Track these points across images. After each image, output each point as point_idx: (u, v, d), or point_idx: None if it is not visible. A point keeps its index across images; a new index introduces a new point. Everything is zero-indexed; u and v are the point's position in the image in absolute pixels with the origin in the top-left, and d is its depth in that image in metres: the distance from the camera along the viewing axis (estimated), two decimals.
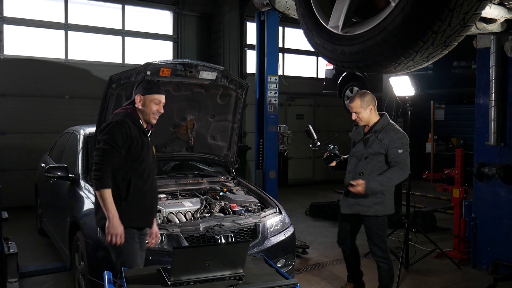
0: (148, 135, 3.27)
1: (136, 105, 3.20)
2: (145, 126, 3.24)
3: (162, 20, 10.39)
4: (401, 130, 4.01)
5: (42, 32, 8.94)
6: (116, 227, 2.96)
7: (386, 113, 4.09)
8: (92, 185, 4.43)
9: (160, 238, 3.65)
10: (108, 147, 3.00)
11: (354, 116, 4.03)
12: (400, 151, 3.86)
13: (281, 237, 4.33)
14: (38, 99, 8.75)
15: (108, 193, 2.96)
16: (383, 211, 3.95)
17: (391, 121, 4.05)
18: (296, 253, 5.09)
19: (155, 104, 3.19)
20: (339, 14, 1.91)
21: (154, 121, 3.24)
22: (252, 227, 4.21)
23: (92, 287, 3.80)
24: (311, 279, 4.97)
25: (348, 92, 9.36)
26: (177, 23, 10.38)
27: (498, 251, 5.30)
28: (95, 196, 3.15)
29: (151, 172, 3.24)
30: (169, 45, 10.44)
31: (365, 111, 3.99)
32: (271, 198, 4.88)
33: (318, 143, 4.38)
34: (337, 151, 4.27)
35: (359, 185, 3.83)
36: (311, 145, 4.42)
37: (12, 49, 8.65)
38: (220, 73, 4.61)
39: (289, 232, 4.45)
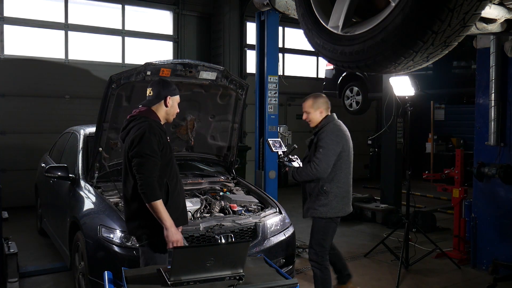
0: None
1: (165, 106, 3.20)
2: None
3: (162, 20, 10.39)
4: (336, 130, 3.91)
5: (42, 32, 8.95)
6: (176, 234, 3.00)
7: (333, 114, 4.04)
8: (92, 185, 4.45)
9: None
10: (150, 158, 2.99)
11: (304, 116, 4.05)
12: (320, 149, 3.83)
13: (281, 237, 4.34)
14: (38, 99, 8.75)
15: (160, 203, 2.98)
16: (325, 213, 3.89)
17: (335, 121, 3.99)
18: (296, 253, 5.09)
19: (177, 104, 3.28)
20: (339, 14, 1.91)
21: (171, 120, 3.32)
22: (252, 227, 4.21)
23: (92, 287, 3.80)
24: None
25: (348, 92, 9.36)
26: (177, 23, 10.39)
27: (498, 251, 5.30)
28: (127, 203, 3.16)
29: (177, 171, 3.30)
30: (169, 45, 10.44)
31: (315, 113, 3.99)
32: (271, 198, 4.88)
33: (282, 155, 4.29)
34: (291, 163, 4.15)
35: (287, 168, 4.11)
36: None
37: (12, 49, 8.65)
38: (220, 73, 4.61)
39: (289, 232, 4.46)
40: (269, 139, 4.42)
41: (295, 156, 4.23)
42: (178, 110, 3.32)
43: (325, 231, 3.98)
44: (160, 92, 3.20)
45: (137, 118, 3.15)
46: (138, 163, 2.99)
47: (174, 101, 3.25)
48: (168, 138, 3.28)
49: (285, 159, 4.18)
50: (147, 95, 3.26)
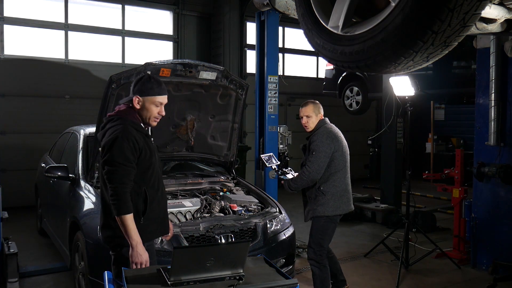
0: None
1: (133, 106, 2.87)
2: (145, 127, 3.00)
3: (162, 20, 10.39)
4: (326, 132, 4.02)
5: (42, 32, 8.94)
6: (141, 255, 2.71)
7: (325, 118, 4.16)
8: (92, 185, 4.45)
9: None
10: (121, 167, 2.71)
11: (304, 120, 4.11)
12: (313, 153, 3.95)
13: (281, 237, 4.33)
14: (38, 99, 8.75)
15: (130, 218, 2.70)
16: (323, 212, 3.97)
17: (326, 125, 4.10)
18: (296, 253, 5.08)
19: (156, 107, 2.86)
20: (339, 14, 1.91)
21: (154, 124, 2.93)
22: (252, 227, 4.21)
23: (92, 287, 3.80)
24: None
25: (348, 92, 9.36)
26: (177, 23, 10.39)
27: (498, 251, 5.30)
28: (103, 209, 2.91)
29: (160, 177, 3.02)
30: (169, 45, 10.44)
31: (316, 117, 4.10)
32: (271, 198, 4.88)
33: (276, 169, 4.40)
34: (285, 176, 4.24)
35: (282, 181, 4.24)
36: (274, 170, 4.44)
37: (12, 49, 8.65)
38: (220, 73, 4.60)
39: (289, 232, 4.45)
40: (261, 156, 4.56)
41: (289, 168, 4.35)
42: (159, 113, 2.89)
43: (324, 230, 4.04)
44: (132, 90, 2.86)
45: (114, 118, 2.84)
46: (108, 172, 2.72)
47: (147, 102, 2.83)
48: (152, 140, 2.99)
49: (279, 172, 4.28)
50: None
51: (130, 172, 2.75)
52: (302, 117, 4.14)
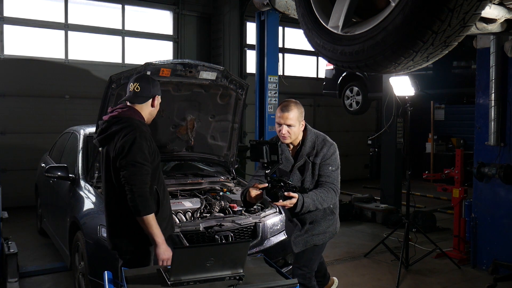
0: None
1: (152, 106, 2.97)
2: None
3: (162, 20, 10.40)
4: (330, 140, 3.28)
5: (42, 32, 8.94)
6: (167, 251, 2.80)
7: (306, 123, 3.29)
8: (92, 185, 4.45)
9: None
10: (143, 167, 2.75)
11: (284, 130, 3.13)
12: (331, 168, 3.20)
13: (281, 237, 4.34)
14: (38, 99, 8.75)
15: (153, 218, 2.76)
16: (333, 232, 3.37)
17: (315, 131, 3.32)
18: None
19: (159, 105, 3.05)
20: (339, 14, 1.91)
21: (150, 122, 3.08)
22: (252, 227, 4.21)
23: (92, 287, 3.80)
24: None
25: (348, 92, 9.37)
26: (177, 23, 10.39)
27: (498, 251, 5.30)
28: (113, 217, 2.94)
29: (163, 177, 3.08)
30: (169, 45, 10.45)
31: (299, 126, 3.19)
32: None
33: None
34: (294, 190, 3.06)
35: (293, 199, 2.98)
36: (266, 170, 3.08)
37: (12, 49, 8.65)
38: (220, 73, 4.60)
39: None
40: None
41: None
42: None
43: (320, 252, 3.48)
44: (150, 90, 2.94)
45: (121, 120, 2.86)
46: (129, 173, 2.73)
47: (159, 101, 3.03)
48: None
49: (287, 183, 3.05)
50: (132, 90, 2.92)
51: (149, 172, 2.81)
52: (281, 125, 3.15)
